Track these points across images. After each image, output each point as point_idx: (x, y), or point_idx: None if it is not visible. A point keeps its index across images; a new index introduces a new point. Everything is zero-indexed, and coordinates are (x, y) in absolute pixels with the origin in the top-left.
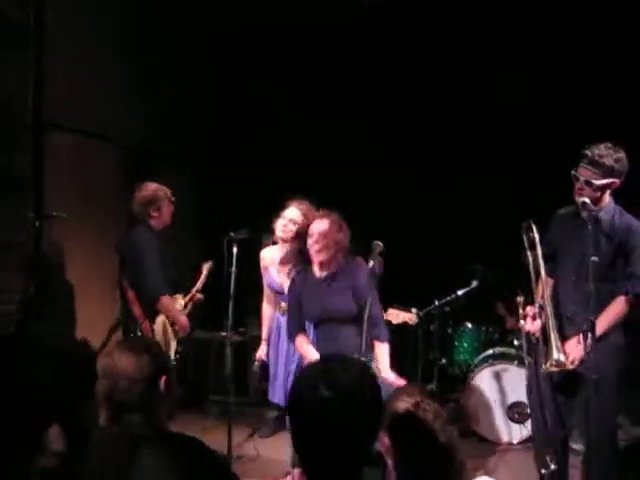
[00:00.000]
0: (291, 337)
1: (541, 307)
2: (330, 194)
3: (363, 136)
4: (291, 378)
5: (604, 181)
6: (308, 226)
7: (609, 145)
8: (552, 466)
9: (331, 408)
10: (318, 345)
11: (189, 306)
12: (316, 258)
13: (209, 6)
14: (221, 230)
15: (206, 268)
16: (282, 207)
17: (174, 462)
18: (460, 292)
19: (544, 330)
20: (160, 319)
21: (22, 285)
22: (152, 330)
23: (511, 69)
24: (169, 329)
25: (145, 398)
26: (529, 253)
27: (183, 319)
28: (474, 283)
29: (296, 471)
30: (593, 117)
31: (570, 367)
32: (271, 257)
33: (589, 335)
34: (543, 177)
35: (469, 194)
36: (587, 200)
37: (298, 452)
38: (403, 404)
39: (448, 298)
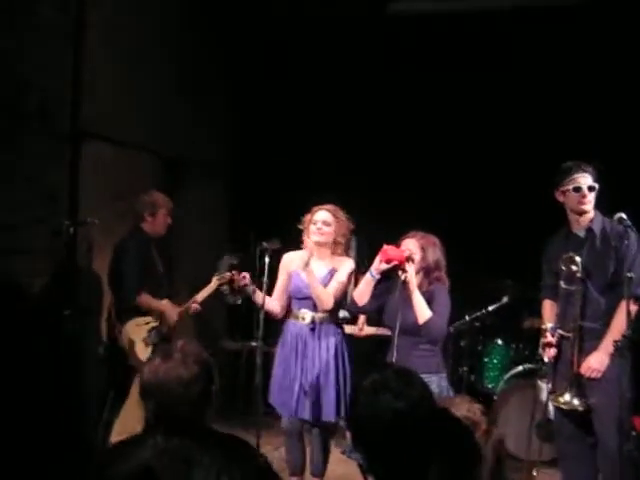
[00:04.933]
0: None
1: (562, 335)
2: (358, 201)
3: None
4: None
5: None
6: (341, 227)
7: None
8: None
9: (403, 418)
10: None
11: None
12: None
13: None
14: (250, 231)
15: (217, 280)
16: (306, 214)
17: (227, 462)
18: (490, 308)
19: (557, 358)
20: (130, 324)
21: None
22: (120, 332)
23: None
24: (137, 333)
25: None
26: (563, 284)
27: (168, 308)
28: (505, 299)
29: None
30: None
31: (580, 409)
32: (297, 262)
33: (618, 346)
34: None
35: (501, 209)
36: (623, 215)
37: (367, 459)
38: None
39: (478, 314)
